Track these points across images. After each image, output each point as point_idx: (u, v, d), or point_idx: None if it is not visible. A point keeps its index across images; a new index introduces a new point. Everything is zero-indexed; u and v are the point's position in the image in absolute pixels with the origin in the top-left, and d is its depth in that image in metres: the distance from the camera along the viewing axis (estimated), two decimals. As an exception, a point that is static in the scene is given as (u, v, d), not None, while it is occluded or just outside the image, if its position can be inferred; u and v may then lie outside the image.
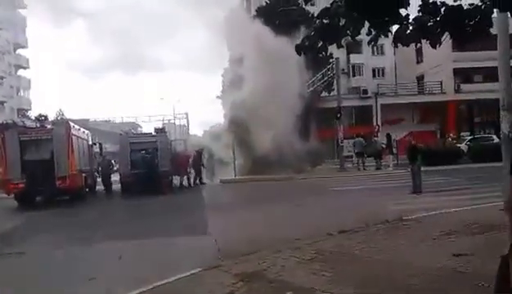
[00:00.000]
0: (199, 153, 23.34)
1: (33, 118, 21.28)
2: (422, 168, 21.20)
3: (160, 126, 26.43)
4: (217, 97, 31.19)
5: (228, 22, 26.07)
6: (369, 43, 5.66)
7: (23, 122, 19.36)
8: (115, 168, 24.58)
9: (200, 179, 22.55)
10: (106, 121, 53.32)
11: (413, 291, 4.92)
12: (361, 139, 26.29)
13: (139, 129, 44.03)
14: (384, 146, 25.43)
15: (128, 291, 5.48)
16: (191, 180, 22.63)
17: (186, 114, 50.92)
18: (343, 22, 5.34)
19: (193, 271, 6.15)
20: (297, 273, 5.70)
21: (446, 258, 5.92)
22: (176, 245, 8.44)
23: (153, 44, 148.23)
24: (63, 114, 53.64)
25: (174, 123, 56.68)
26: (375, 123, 39.22)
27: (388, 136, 25.81)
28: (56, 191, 16.96)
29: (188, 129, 52.97)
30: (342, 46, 5.70)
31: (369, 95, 41.01)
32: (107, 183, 21.55)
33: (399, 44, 5.61)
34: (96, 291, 6.03)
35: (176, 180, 21.98)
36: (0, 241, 10.17)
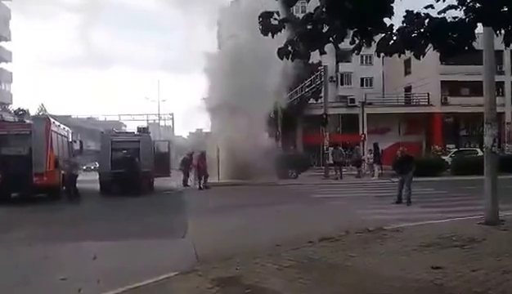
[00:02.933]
0: (203, 155, 23.36)
1: (13, 111, 21.00)
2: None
3: (144, 125, 26.23)
4: (203, 99, 31.05)
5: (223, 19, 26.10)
6: (352, 52, 5.70)
7: (1, 116, 19.07)
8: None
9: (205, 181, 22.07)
10: (89, 118, 52.85)
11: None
12: (340, 148, 26.54)
13: (123, 128, 43.61)
14: (368, 156, 25.65)
15: (99, 293, 5.39)
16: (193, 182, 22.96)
17: (172, 115, 50.60)
18: (326, 29, 5.37)
19: (168, 275, 6.08)
20: (273, 280, 5.67)
21: (425, 270, 5.96)
22: (152, 247, 8.35)
23: (139, 42, 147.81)
24: (45, 110, 53.01)
25: (159, 124, 56.38)
26: (361, 132, 39.65)
27: (376, 146, 26.02)
28: (32, 188, 16.66)
29: (173, 130, 52.77)
30: (325, 53, 5.72)
31: (356, 104, 41.46)
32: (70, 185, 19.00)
33: (382, 54, 5.68)
34: (66, 291, 5.90)
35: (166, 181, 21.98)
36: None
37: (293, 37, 5.36)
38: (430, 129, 41.07)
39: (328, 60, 29.71)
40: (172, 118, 50.45)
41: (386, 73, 49.56)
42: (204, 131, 30.87)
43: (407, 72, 44.18)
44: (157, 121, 54.46)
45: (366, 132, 39.30)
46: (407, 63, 39.79)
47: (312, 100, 35.55)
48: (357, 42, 5.55)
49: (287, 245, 7.66)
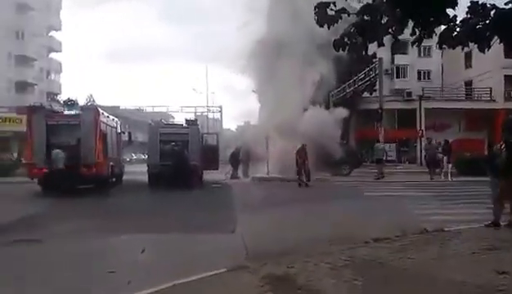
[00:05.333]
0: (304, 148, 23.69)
1: (62, 102, 21.86)
2: (464, 178, 20.80)
3: (192, 117, 26.73)
4: (253, 91, 31.19)
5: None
6: (412, 44, 5.55)
7: (51, 105, 19.85)
8: None
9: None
10: (137, 109, 54.31)
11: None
12: (382, 144, 25.61)
13: (170, 120, 44.57)
14: (440, 154, 23.15)
15: (147, 288, 5.51)
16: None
17: (220, 107, 50.90)
18: (385, 20, 5.27)
19: (218, 271, 6.18)
20: (326, 281, 5.64)
21: (488, 275, 5.75)
22: (202, 242, 8.52)
23: (189, 33, 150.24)
24: (93, 100, 55.03)
25: (207, 116, 56.98)
26: (418, 128, 38.53)
27: (447, 143, 23.60)
28: (80, 179, 17.19)
29: (222, 123, 53.15)
30: (383, 45, 5.61)
31: (413, 97, 40.28)
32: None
33: (445, 46, 5.48)
34: (115, 284, 6.05)
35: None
36: (18, 226, 10.39)
37: (350, 28, 5.28)
38: (493, 126, 39.21)
39: (383, 51, 28.82)
40: (221, 111, 50.79)
41: (445, 65, 47.78)
42: (252, 123, 30.94)
43: (468, 65, 42.42)
44: (205, 113, 55.12)
45: (423, 128, 38.15)
46: (468, 55, 38.13)
47: (365, 94, 34.88)
48: (418, 33, 5.40)
49: (340, 244, 7.60)
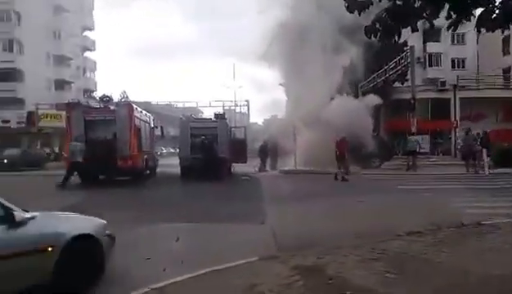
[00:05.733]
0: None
1: (98, 98, 22.51)
2: (501, 170, 20.04)
3: (220, 112, 27.01)
4: (280, 84, 31.08)
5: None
6: (448, 28, 5.29)
7: (87, 102, 20.54)
8: None
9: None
10: (168, 104, 55.15)
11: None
12: (415, 137, 24.90)
13: (200, 114, 45.11)
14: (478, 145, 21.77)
15: (182, 274, 5.59)
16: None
17: (247, 102, 51.16)
18: (418, 3, 5.06)
19: (248, 260, 6.20)
20: (358, 273, 5.56)
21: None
22: (232, 232, 8.59)
23: (215, 28, 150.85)
24: (127, 96, 56.36)
25: (235, 110, 57.37)
26: (452, 118, 37.46)
27: (485, 134, 22.64)
28: (117, 171, 17.92)
29: (249, 116, 53.38)
30: (417, 30, 5.39)
31: (447, 87, 39.07)
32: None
33: (483, 30, 5.21)
34: (151, 271, 6.16)
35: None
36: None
37: (381, 13, 5.11)
38: (533, 116, 37.71)
39: (414, 39, 28.05)
40: (248, 105, 50.99)
41: (481, 53, 46.10)
42: (279, 117, 30.90)
43: (506, 51, 40.76)
44: (233, 107, 55.47)
45: (458, 119, 37.04)
46: (506, 41, 36.71)
47: (396, 84, 34.09)
48: (454, 17, 5.15)
49: (371, 237, 7.48)
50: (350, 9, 5.02)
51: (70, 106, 18.56)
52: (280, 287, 5.05)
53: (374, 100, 25.16)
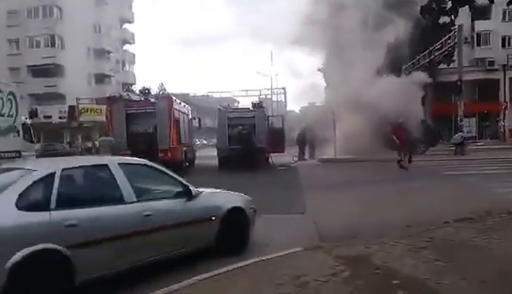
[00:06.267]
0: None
1: (138, 91, 23.04)
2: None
3: (257, 100, 27.04)
4: (319, 70, 30.75)
5: None
6: (508, 4, 5.11)
7: (128, 95, 21.07)
8: None
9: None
10: (204, 95, 55.85)
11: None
12: (460, 134, 24.10)
13: (235, 104, 45.34)
14: None
15: (229, 264, 5.65)
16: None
17: (284, 89, 50.86)
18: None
19: (292, 250, 6.24)
20: (406, 261, 5.48)
21: None
22: (274, 222, 8.59)
23: (249, 16, 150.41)
24: (164, 89, 57.34)
25: (271, 98, 57.32)
26: (502, 100, 36.03)
27: None
28: (157, 163, 18.17)
29: (286, 104, 53.10)
30: (474, 8, 5.26)
31: (496, 67, 37.54)
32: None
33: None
34: (199, 262, 6.21)
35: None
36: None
37: None
38: None
39: (462, 17, 27.08)
40: (285, 93, 50.75)
41: (533, 29, 43.98)
42: (316, 104, 30.61)
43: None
44: (269, 96, 55.38)
45: (507, 100, 35.59)
46: None
47: (442, 66, 33.06)
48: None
49: (418, 225, 7.36)
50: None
51: (111, 100, 19.13)
52: (325, 277, 5.05)
53: (421, 77, 24.28)
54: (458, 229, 6.96)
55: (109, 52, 55.77)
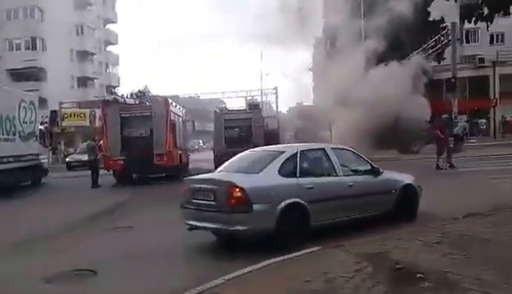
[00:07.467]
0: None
1: (134, 94, 22.96)
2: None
3: (253, 101, 27.19)
4: (309, 70, 31.14)
5: None
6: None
7: (123, 98, 21.04)
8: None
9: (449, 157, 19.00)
10: (191, 97, 55.57)
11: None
12: (464, 123, 24.60)
13: (222, 105, 45.26)
14: None
15: (247, 265, 5.90)
16: None
17: (276, 89, 50.75)
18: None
19: (311, 249, 6.54)
20: (424, 256, 5.83)
21: None
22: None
23: (235, 15, 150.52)
24: (148, 91, 56.92)
25: (261, 99, 57.18)
26: (492, 96, 36.88)
27: None
28: (153, 168, 18.14)
29: (277, 105, 53.00)
30: (509, 14, 5.90)
31: (486, 64, 38.42)
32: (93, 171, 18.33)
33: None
34: (214, 264, 6.62)
35: None
36: (107, 216, 11.44)
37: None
38: None
39: (451, 16, 27.59)
40: (276, 93, 50.67)
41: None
42: (304, 104, 30.88)
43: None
44: (258, 96, 55.29)
45: (497, 96, 36.45)
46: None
47: (432, 63, 33.72)
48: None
49: (429, 221, 7.80)
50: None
51: (106, 103, 19.05)
52: (349, 274, 5.33)
53: (419, 61, 24.49)
54: (469, 224, 7.38)
55: (92, 54, 55.40)
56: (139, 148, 17.78)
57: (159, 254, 7.31)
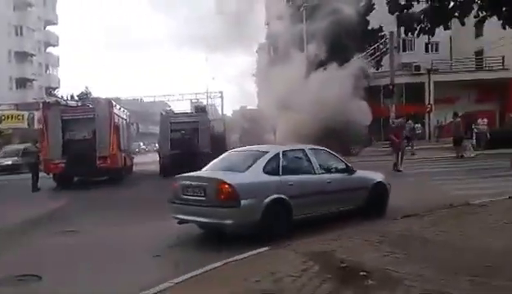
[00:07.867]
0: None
1: (76, 96, 22.22)
2: (478, 152, 20.90)
3: (199, 104, 27.05)
4: (253, 75, 31.38)
5: None
6: (479, 22, 6.06)
7: (65, 100, 20.29)
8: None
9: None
10: (134, 99, 54.41)
11: (491, 271, 5.15)
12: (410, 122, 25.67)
13: (168, 108, 44.68)
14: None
15: (195, 269, 5.86)
16: None
17: (221, 93, 50.66)
18: (451, 4, 5.77)
19: (260, 250, 6.61)
20: (367, 255, 6.00)
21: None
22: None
23: (176, 17, 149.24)
24: (89, 92, 55.27)
25: (207, 102, 56.94)
26: (427, 102, 38.64)
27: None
28: (96, 171, 17.69)
29: (222, 108, 52.95)
30: (449, 28, 6.39)
31: (421, 71, 40.24)
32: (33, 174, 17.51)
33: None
34: (165, 266, 6.58)
35: None
36: (50, 220, 11.00)
37: (420, 14, 5.76)
38: (505, 96, 39.21)
39: (388, 25, 28.78)
40: (222, 96, 50.56)
41: (453, 36, 47.36)
42: (248, 107, 31.09)
43: (479, 34, 41.94)
44: (203, 99, 55.01)
45: (432, 102, 38.27)
46: (479, 23, 37.85)
47: (372, 70, 34.93)
48: (482, 15, 5.82)
49: (368, 222, 8.04)
50: (392, 10, 5.65)
51: (46, 106, 18.31)
52: (297, 273, 5.41)
53: (361, 64, 25.25)
54: (407, 224, 7.69)
55: (31, 55, 53.27)
56: (81, 150, 17.23)
57: (104, 257, 7.13)
